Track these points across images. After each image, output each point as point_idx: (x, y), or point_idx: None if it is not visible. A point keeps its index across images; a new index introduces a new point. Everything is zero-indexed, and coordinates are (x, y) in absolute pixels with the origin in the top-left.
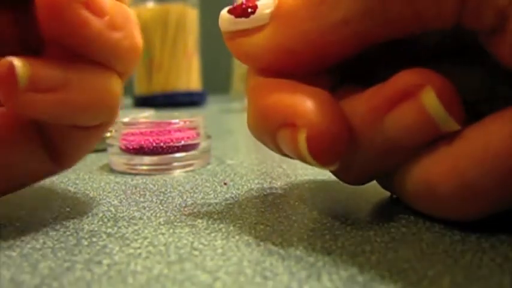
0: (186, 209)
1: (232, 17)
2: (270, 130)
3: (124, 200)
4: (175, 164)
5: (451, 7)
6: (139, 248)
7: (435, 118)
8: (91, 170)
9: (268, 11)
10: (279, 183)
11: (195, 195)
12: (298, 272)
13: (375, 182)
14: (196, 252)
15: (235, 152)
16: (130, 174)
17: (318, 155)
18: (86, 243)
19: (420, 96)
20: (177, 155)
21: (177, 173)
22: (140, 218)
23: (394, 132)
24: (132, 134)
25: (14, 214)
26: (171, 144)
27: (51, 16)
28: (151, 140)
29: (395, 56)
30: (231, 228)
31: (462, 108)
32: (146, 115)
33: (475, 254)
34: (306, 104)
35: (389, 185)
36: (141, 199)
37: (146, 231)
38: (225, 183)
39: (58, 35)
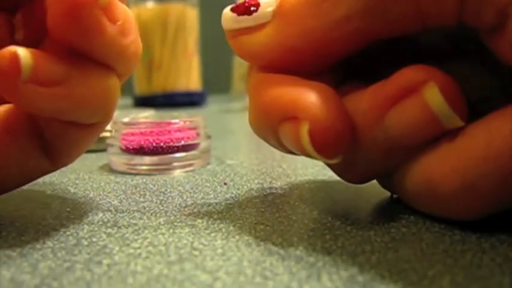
0: (186, 209)
1: (234, 15)
2: (272, 125)
3: (124, 200)
4: (175, 164)
5: (452, 5)
6: (139, 248)
7: (438, 114)
8: (91, 170)
9: (270, 9)
10: (279, 183)
11: (195, 195)
12: (298, 272)
13: (375, 182)
14: (196, 252)
15: (235, 152)
16: (130, 174)
17: (322, 150)
18: (86, 243)
19: (423, 92)
20: (177, 155)
21: (177, 173)
22: (140, 218)
23: (396, 129)
24: (132, 134)
25: (14, 214)
26: (171, 144)
27: (69, 19)
28: (151, 140)
29: (396, 55)
30: (231, 228)
31: (465, 104)
32: (146, 115)
33: (475, 254)
34: (307, 97)
35: (390, 184)
36: (141, 199)
37: (146, 231)
38: (225, 183)
39: (70, 37)
